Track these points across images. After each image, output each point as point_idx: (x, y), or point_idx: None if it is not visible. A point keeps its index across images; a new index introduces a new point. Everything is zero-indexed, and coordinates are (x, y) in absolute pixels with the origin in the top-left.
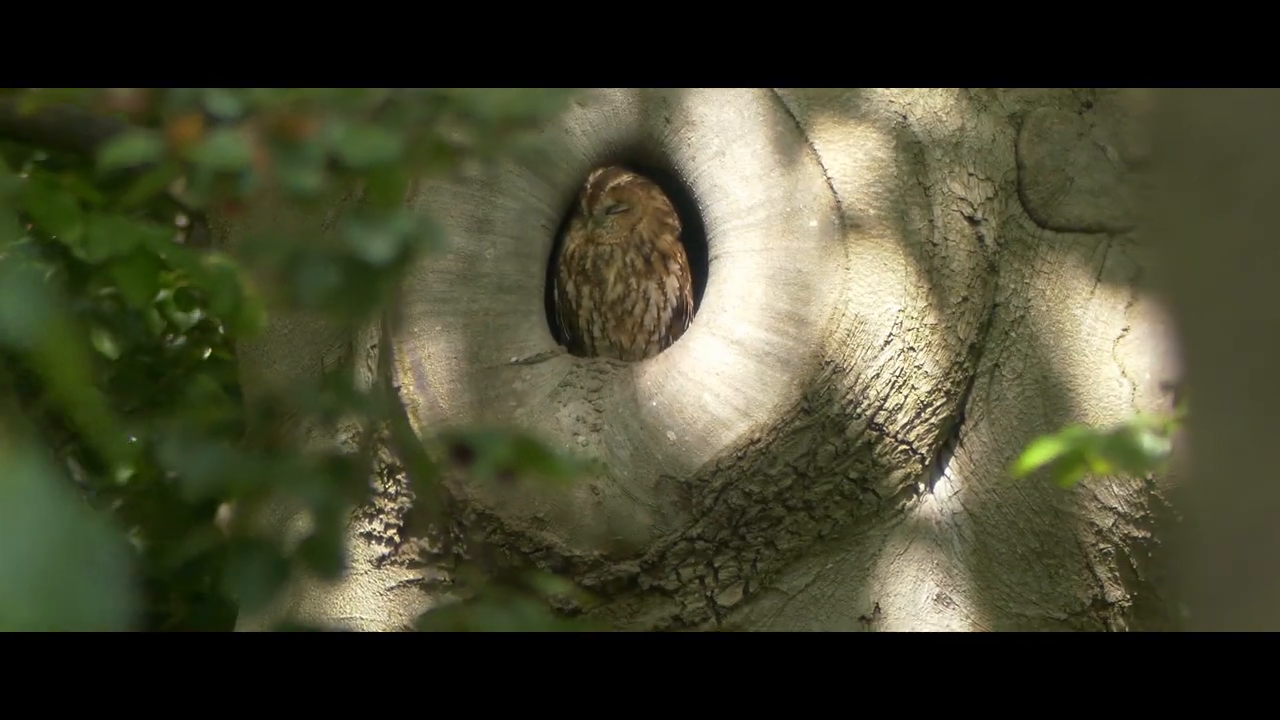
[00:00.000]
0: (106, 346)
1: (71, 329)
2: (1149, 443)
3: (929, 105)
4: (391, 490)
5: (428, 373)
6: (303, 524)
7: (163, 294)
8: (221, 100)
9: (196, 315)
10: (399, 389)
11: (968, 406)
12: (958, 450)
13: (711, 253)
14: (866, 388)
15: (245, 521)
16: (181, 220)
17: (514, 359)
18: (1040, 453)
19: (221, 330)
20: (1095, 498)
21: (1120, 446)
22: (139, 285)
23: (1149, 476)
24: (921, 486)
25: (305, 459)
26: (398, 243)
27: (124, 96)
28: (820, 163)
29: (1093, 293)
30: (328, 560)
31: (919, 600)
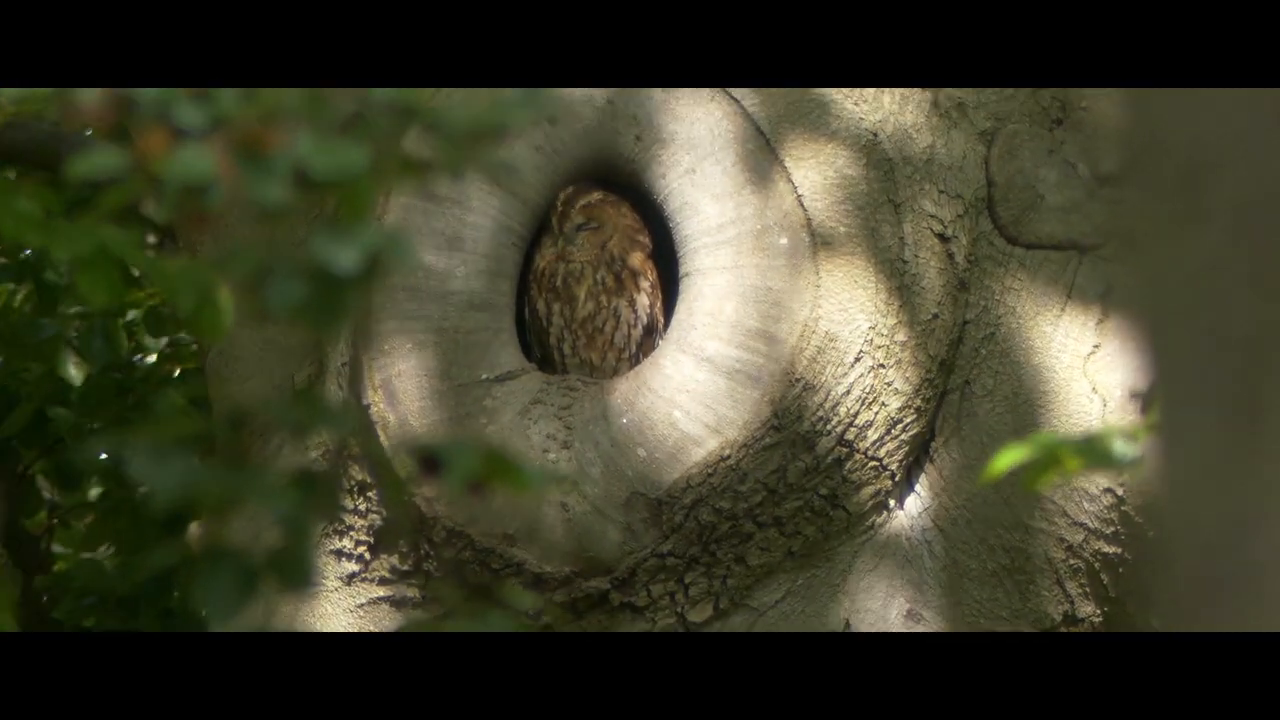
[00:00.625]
0: (71, 372)
1: None
2: (1120, 446)
3: (899, 122)
4: (362, 507)
5: (398, 390)
6: (272, 538)
7: (132, 314)
8: (188, 113)
9: (165, 339)
10: (369, 406)
11: (938, 423)
12: (928, 467)
13: (682, 270)
14: (837, 404)
15: (214, 534)
16: (151, 238)
17: (485, 376)
18: (1011, 456)
19: (193, 347)
20: (1065, 513)
21: (1091, 449)
22: (102, 289)
23: (1119, 492)
24: (892, 503)
25: (274, 473)
26: (366, 255)
27: (91, 107)
28: (791, 180)
29: (1063, 309)
30: (296, 572)
31: (889, 616)
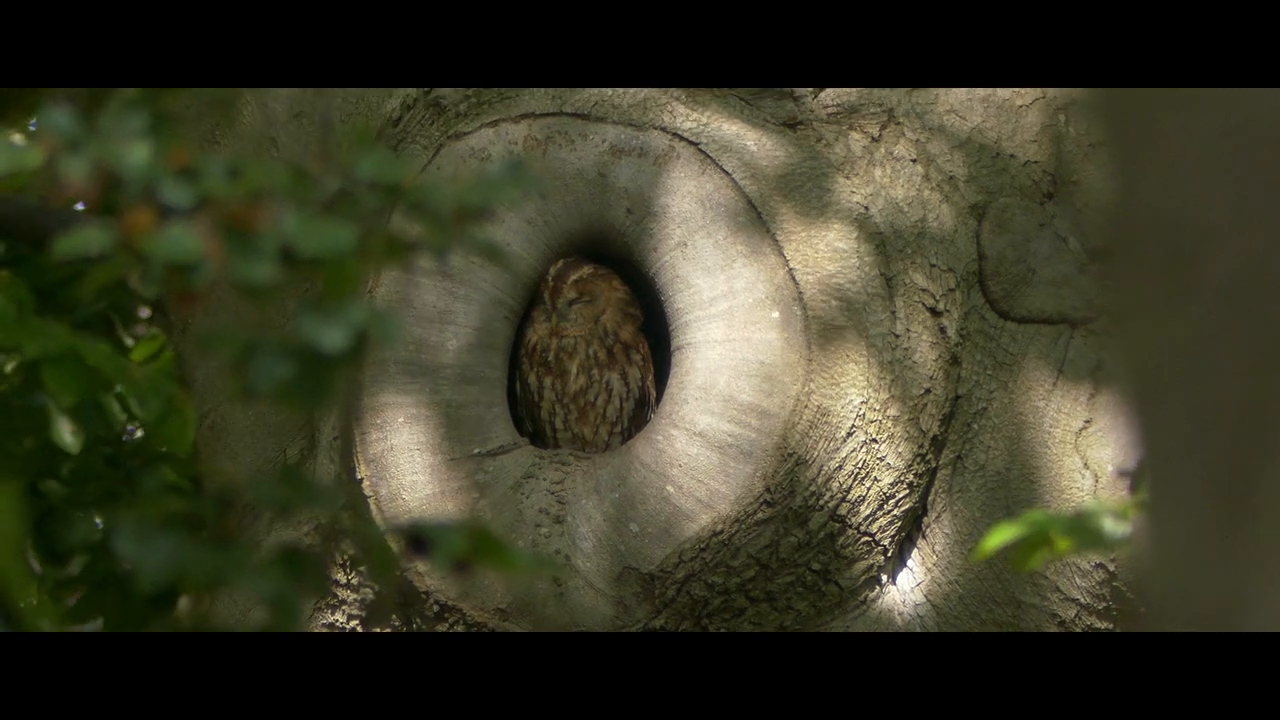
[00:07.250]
0: (67, 439)
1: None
2: (1109, 525)
3: (890, 196)
4: (354, 582)
5: (389, 465)
6: (261, 614)
7: (119, 388)
8: (174, 191)
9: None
10: (360, 481)
11: (930, 498)
12: (920, 542)
13: (674, 344)
14: (829, 479)
15: (201, 611)
16: (144, 311)
17: (476, 451)
18: (1002, 535)
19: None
20: (1058, 589)
21: (1081, 528)
22: (68, 387)
23: (1111, 567)
24: (884, 578)
25: (260, 551)
26: (351, 333)
27: (76, 184)
28: (782, 254)
29: (1055, 384)
30: None
31: None
